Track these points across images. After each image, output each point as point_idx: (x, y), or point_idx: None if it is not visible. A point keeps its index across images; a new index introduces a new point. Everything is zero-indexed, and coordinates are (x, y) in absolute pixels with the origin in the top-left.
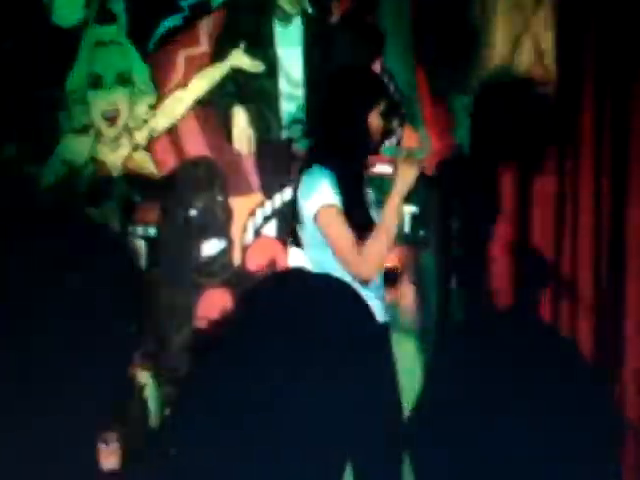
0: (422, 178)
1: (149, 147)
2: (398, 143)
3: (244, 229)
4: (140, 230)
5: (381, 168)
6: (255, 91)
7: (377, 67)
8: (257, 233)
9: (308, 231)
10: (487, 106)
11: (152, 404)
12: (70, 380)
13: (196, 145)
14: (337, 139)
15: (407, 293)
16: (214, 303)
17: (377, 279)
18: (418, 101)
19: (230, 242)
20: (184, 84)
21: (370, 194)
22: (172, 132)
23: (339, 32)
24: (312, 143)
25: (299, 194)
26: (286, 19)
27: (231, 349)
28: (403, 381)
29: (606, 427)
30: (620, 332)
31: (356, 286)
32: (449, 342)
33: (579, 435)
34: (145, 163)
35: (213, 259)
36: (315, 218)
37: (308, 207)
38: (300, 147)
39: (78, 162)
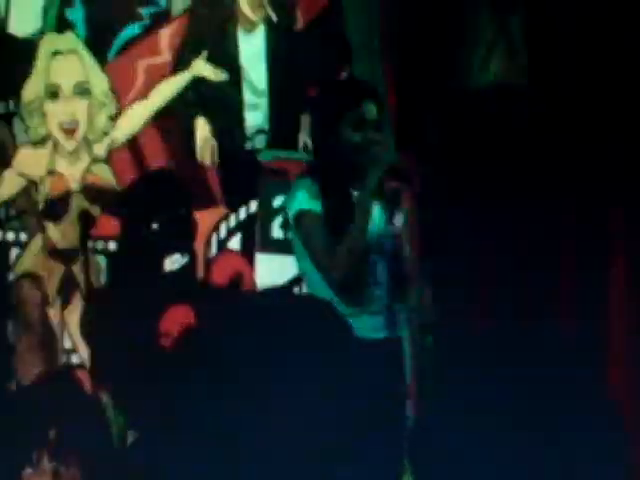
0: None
1: (109, 159)
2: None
3: (208, 243)
4: (100, 245)
5: None
6: (218, 101)
7: (344, 75)
8: (221, 247)
9: (293, 238)
10: (460, 115)
11: (114, 425)
12: None
13: (157, 157)
14: (316, 152)
15: None
16: (177, 319)
17: (377, 294)
18: (387, 110)
19: (193, 257)
20: (145, 94)
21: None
22: (133, 144)
23: (304, 40)
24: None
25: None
26: (249, 27)
27: (204, 369)
28: None
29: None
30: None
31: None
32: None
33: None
34: (105, 176)
35: (176, 274)
36: (293, 224)
37: (289, 214)
38: (264, 158)
39: (36, 175)
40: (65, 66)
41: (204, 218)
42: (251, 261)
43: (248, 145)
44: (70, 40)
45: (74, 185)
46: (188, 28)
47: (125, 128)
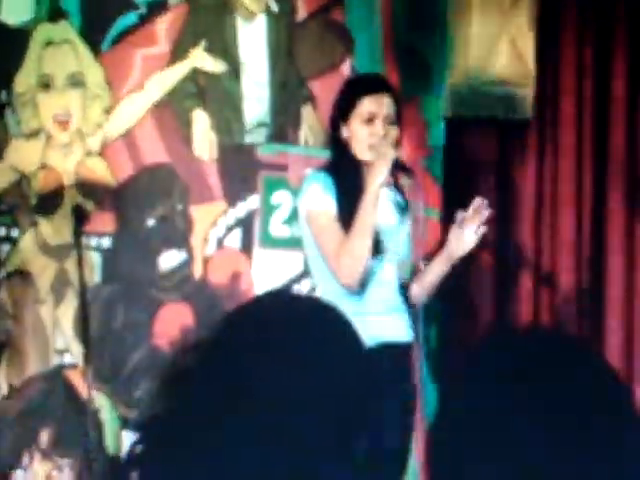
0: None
1: (103, 153)
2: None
3: (205, 240)
4: (94, 241)
5: None
6: (217, 93)
7: (344, 68)
8: (219, 244)
9: (304, 234)
10: (462, 109)
11: (108, 427)
12: None
13: (154, 150)
14: (330, 147)
15: None
16: (173, 319)
17: (387, 294)
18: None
19: (190, 254)
20: (141, 86)
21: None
22: (128, 137)
23: (306, 31)
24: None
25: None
26: (249, 17)
27: (207, 375)
28: None
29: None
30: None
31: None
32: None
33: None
34: (99, 170)
35: (172, 272)
36: (306, 221)
37: (300, 210)
38: (265, 152)
39: (28, 168)
40: (58, 56)
41: (202, 214)
42: (250, 259)
43: (248, 139)
44: (64, 30)
45: (67, 179)
46: (186, 18)
47: (120, 121)
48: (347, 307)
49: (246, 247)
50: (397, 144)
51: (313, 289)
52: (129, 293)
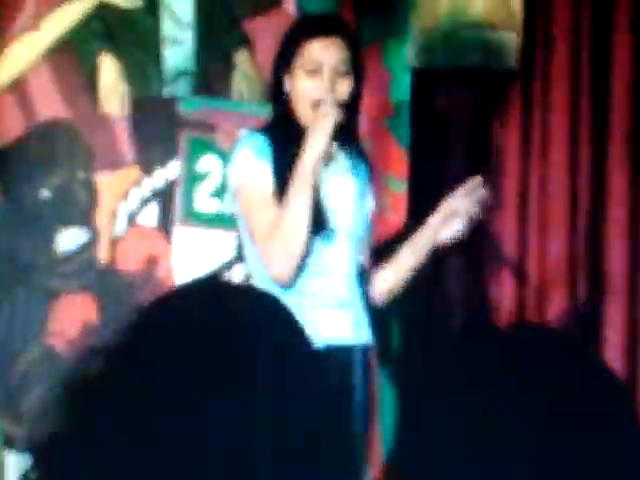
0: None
1: None
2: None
3: (114, 216)
4: None
5: None
6: (129, 33)
7: (288, 6)
8: (131, 221)
9: (235, 210)
10: (432, 57)
11: None
12: None
13: (50, 104)
14: (271, 103)
15: None
16: (73, 314)
17: (335, 284)
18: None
19: (95, 233)
20: (35, 25)
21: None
22: (18, 87)
23: None
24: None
25: None
26: None
27: (117, 384)
28: None
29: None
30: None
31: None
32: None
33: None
34: None
35: (72, 255)
36: (235, 194)
37: (229, 181)
38: (188, 107)
39: None
40: None
41: (110, 183)
42: (169, 239)
43: (167, 91)
44: None
45: None
46: None
47: (9, 68)
48: (285, 300)
49: (165, 225)
50: (353, 101)
51: (248, 277)
52: (17, 281)
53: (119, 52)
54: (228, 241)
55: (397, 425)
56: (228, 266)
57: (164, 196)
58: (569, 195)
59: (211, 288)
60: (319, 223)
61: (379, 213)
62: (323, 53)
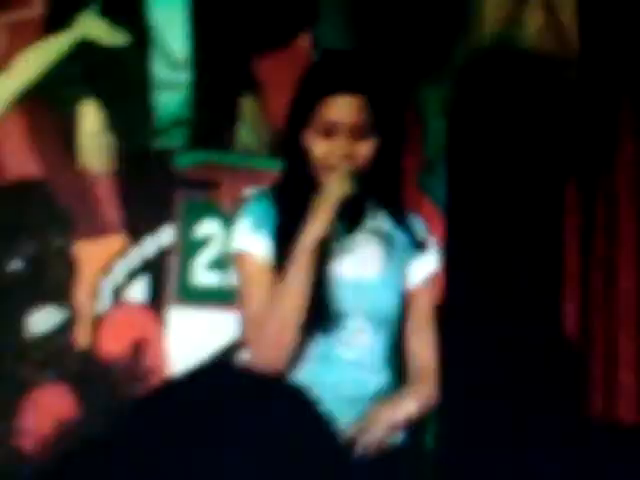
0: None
1: None
2: None
3: (95, 292)
4: None
5: None
6: (114, 76)
7: (303, 42)
8: (116, 298)
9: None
10: (472, 99)
11: None
12: None
13: (22, 160)
14: (284, 157)
15: None
16: (46, 409)
17: (342, 376)
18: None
19: (73, 313)
20: (5, 64)
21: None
22: None
23: None
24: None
25: None
26: None
27: None
28: None
29: None
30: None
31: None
32: None
33: None
34: None
35: (46, 339)
36: (234, 265)
37: (230, 249)
38: (184, 162)
39: None
40: None
41: (91, 253)
42: (160, 320)
43: (159, 143)
44: None
45: None
46: None
47: None
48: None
49: (156, 303)
50: (387, 163)
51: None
52: None
53: (102, 98)
54: (232, 321)
55: None
56: (232, 351)
57: (155, 268)
58: None
59: (215, 378)
60: (319, 310)
61: None
62: (339, 112)
